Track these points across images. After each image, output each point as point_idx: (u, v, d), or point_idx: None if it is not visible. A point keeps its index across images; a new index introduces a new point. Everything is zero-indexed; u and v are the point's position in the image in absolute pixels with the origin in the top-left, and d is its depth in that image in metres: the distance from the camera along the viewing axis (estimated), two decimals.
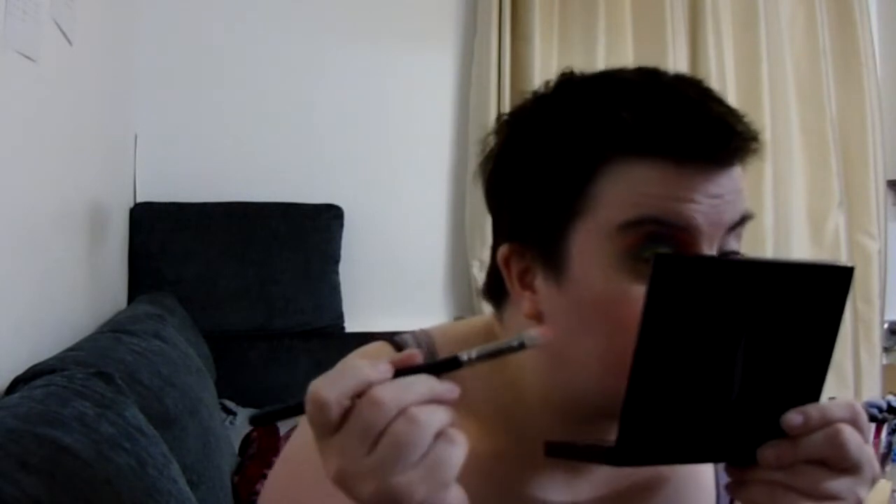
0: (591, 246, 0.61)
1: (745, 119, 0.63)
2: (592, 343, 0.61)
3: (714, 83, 2.96)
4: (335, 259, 2.65)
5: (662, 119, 0.60)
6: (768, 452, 0.57)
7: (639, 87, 0.63)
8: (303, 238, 2.59)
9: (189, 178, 2.61)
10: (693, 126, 0.60)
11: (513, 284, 0.68)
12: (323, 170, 2.74)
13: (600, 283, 0.61)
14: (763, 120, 2.92)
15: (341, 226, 2.66)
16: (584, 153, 0.62)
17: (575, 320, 0.62)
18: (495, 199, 0.70)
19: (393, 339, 0.74)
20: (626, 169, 0.60)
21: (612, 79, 0.65)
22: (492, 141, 0.70)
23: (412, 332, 0.75)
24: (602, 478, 0.72)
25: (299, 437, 0.70)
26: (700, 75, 2.83)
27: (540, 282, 0.65)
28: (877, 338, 3.06)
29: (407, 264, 2.82)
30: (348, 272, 2.66)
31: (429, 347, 0.73)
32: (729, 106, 0.63)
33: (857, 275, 3.21)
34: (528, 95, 0.69)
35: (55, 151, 1.60)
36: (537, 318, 0.65)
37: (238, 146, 2.69)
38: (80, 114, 1.83)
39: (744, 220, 0.63)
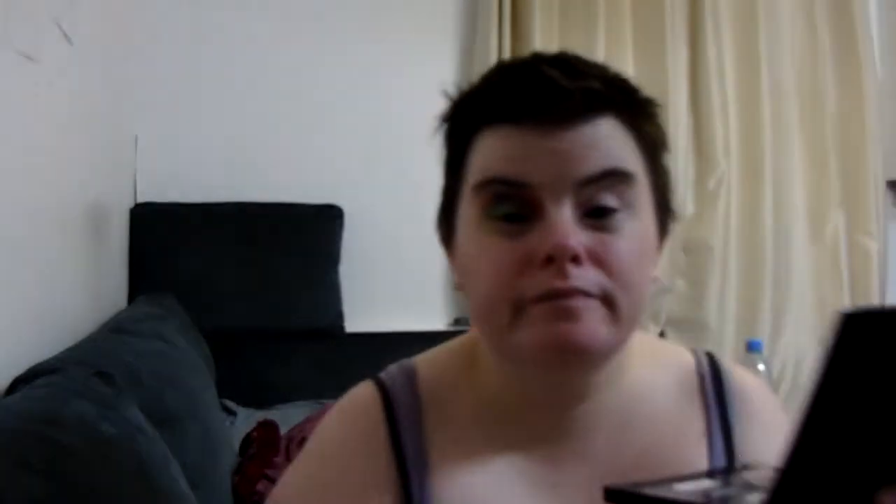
0: (463, 211, 0.70)
1: (596, 75, 0.66)
2: (472, 298, 0.68)
3: (714, 83, 2.95)
4: (335, 259, 2.64)
5: (499, 89, 0.67)
6: None
7: (507, 66, 0.70)
8: (303, 238, 2.59)
9: (189, 178, 2.61)
10: (522, 90, 0.65)
11: (450, 262, 0.74)
12: (323, 170, 2.74)
13: (466, 241, 0.69)
14: (763, 120, 2.92)
15: (341, 226, 2.66)
16: (462, 130, 0.70)
17: (462, 279, 0.70)
18: None
19: (378, 378, 0.77)
20: (485, 138, 0.68)
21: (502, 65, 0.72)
22: None
23: (398, 364, 0.78)
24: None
25: (326, 432, 0.75)
26: (700, 75, 2.81)
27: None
28: None
29: (407, 264, 2.81)
30: (348, 272, 2.66)
31: (410, 382, 0.75)
32: (574, 67, 0.65)
33: (856, 275, 3.18)
34: None
35: (55, 152, 1.60)
36: (461, 288, 0.72)
37: (238, 146, 2.69)
38: (80, 114, 1.83)
39: (608, 174, 0.64)
